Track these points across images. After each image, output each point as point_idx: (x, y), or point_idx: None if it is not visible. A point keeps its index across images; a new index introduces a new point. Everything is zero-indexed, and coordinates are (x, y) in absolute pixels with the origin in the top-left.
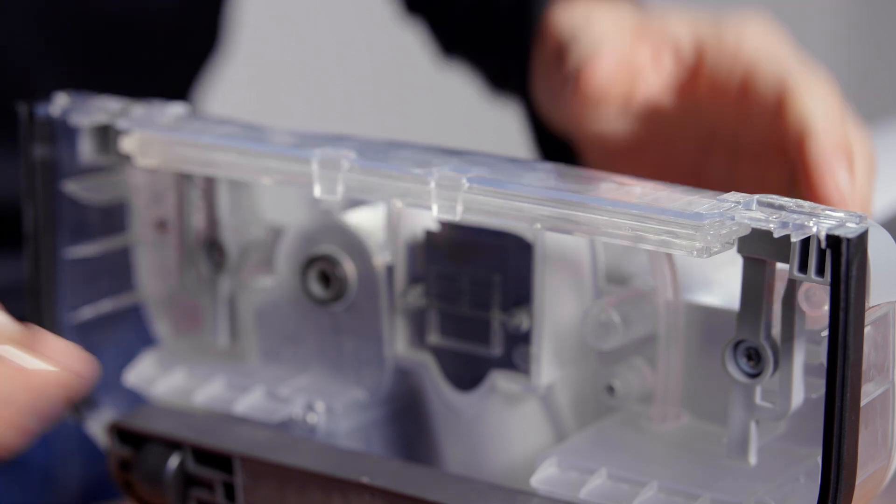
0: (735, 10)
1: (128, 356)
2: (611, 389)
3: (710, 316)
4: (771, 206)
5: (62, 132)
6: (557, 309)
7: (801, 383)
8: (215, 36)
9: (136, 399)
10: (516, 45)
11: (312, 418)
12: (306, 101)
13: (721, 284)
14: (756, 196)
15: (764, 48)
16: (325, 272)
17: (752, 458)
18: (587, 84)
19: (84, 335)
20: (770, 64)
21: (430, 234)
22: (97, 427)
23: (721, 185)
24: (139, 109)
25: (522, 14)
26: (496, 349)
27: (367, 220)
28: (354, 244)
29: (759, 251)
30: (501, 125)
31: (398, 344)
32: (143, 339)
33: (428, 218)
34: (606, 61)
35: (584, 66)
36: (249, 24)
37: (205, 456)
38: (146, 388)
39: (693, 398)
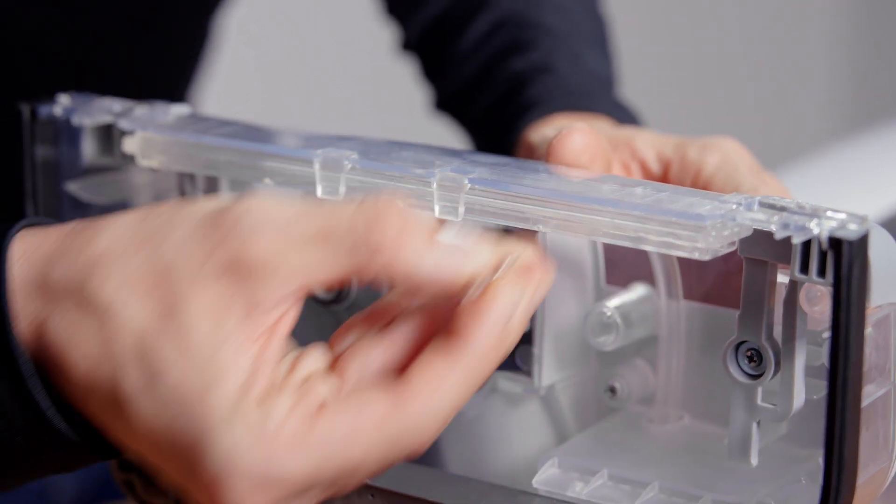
0: (702, 133)
1: None
2: (612, 390)
3: (710, 317)
4: (772, 207)
5: (65, 133)
6: (559, 310)
7: (802, 384)
8: (206, 34)
9: None
10: (501, 137)
11: None
12: (308, 102)
13: None
14: (758, 197)
15: (723, 168)
16: None
17: (754, 459)
18: (559, 147)
19: None
20: (724, 184)
21: None
22: None
23: None
24: (142, 110)
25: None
26: None
27: None
28: None
29: (760, 252)
30: None
31: None
32: None
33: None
34: (579, 132)
35: (557, 136)
36: (250, 24)
37: None
38: None
39: (694, 399)
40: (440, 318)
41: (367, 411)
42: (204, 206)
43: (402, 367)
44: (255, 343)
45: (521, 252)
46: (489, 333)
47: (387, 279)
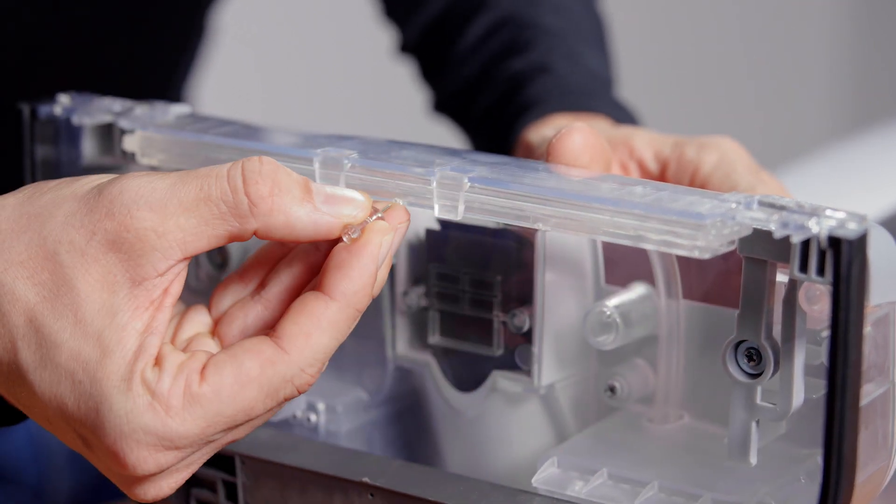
0: (702, 132)
1: None
2: (612, 390)
3: (710, 316)
4: (772, 206)
5: (65, 132)
6: (558, 309)
7: (801, 383)
8: (201, 31)
9: None
10: (500, 136)
11: (314, 418)
12: (308, 103)
13: None
14: (757, 196)
15: (720, 167)
16: None
17: (753, 459)
18: (559, 147)
19: None
20: (721, 183)
21: (431, 234)
22: None
23: None
24: (141, 109)
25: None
26: (497, 349)
27: None
28: None
29: (759, 251)
30: None
31: (399, 344)
32: None
33: (429, 218)
34: (579, 132)
35: (557, 135)
36: (251, 25)
37: None
38: None
39: (694, 399)
40: (314, 269)
41: (249, 363)
42: (85, 184)
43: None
44: (146, 311)
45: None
46: (360, 276)
47: (266, 236)
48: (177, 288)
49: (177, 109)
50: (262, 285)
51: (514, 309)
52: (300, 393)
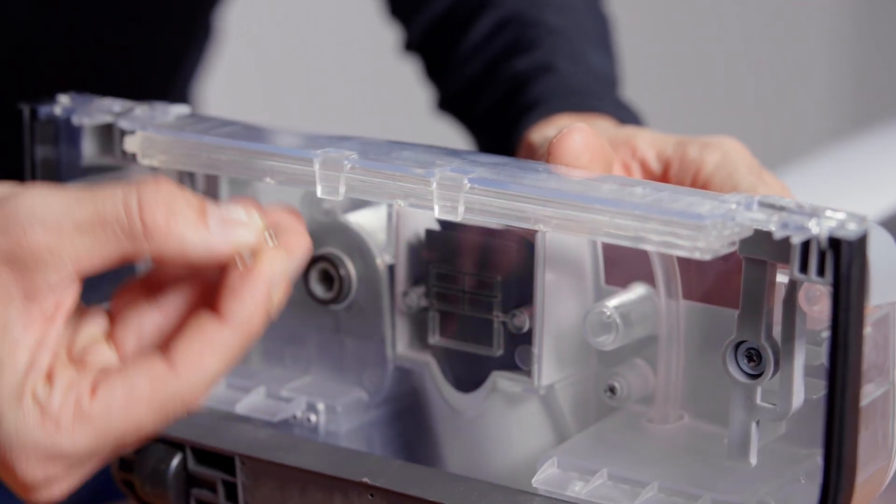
0: (702, 132)
1: None
2: (612, 390)
3: (710, 316)
4: (772, 206)
5: (65, 133)
6: (558, 309)
7: (801, 384)
8: (207, 32)
9: None
10: (503, 136)
11: (314, 418)
12: (309, 102)
13: None
14: (757, 197)
15: (722, 167)
16: (327, 272)
17: (753, 459)
18: (560, 147)
19: None
20: (723, 183)
21: (431, 235)
22: None
23: None
24: (141, 110)
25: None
26: (497, 350)
27: (368, 221)
28: (356, 244)
29: (760, 252)
30: None
31: (399, 344)
32: None
33: (429, 218)
34: (579, 132)
35: (557, 136)
36: (253, 24)
37: (206, 456)
38: None
39: (694, 399)
40: (211, 283)
41: (140, 381)
42: None
43: (176, 333)
44: (38, 326)
45: (284, 222)
46: (253, 301)
47: (159, 260)
48: (69, 303)
49: (177, 110)
50: (160, 289)
51: (513, 309)
52: (188, 411)
